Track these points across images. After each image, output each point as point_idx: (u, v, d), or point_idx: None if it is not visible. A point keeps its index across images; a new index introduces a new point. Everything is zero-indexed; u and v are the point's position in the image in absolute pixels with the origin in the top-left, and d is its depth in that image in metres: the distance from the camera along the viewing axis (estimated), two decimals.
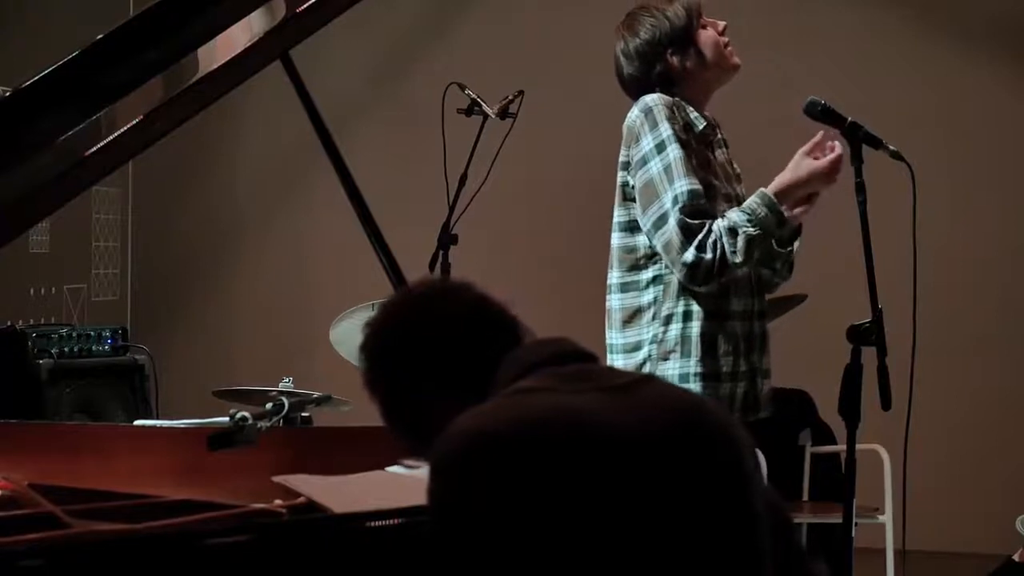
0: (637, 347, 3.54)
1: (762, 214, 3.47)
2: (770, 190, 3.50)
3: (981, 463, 6.57)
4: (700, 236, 3.41)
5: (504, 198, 6.07)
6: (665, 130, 3.47)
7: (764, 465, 4.09)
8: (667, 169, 3.45)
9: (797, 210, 3.56)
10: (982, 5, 6.72)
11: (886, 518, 5.25)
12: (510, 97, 5.26)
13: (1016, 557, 4.81)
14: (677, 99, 3.56)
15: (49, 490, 2.41)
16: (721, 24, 3.63)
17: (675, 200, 3.42)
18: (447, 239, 5.11)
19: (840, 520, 3.59)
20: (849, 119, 3.55)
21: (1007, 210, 6.63)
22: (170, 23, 2.69)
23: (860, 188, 3.49)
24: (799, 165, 3.54)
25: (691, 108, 3.57)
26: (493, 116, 5.22)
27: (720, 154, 3.66)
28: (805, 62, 6.32)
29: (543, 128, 6.43)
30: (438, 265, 5.09)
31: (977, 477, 6.55)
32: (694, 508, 1.90)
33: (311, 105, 2.93)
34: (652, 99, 3.52)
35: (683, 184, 3.43)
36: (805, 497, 5.64)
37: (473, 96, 5.26)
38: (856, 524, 3.63)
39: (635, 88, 3.62)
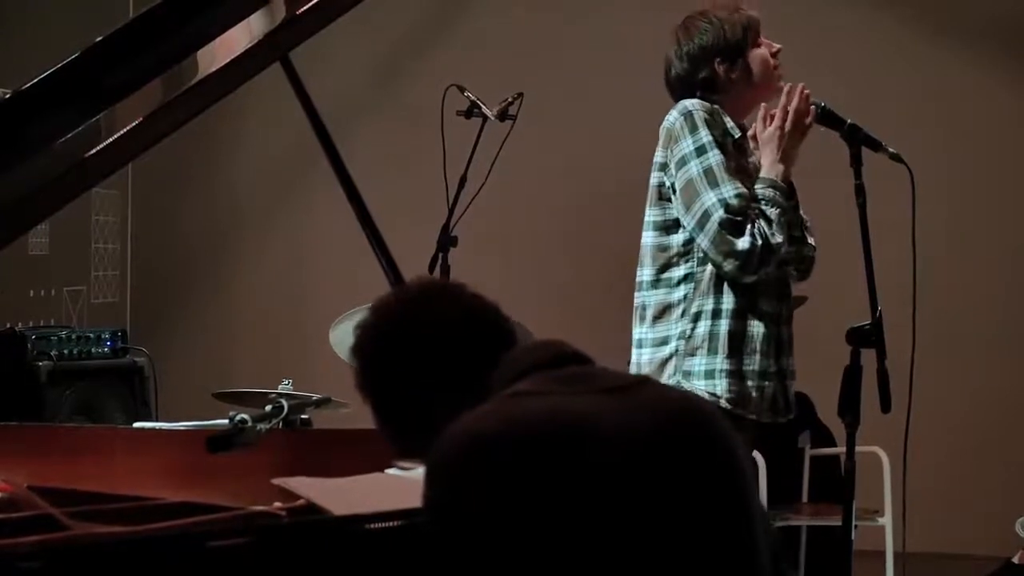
0: (665, 342, 3.62)
1: (770, 195, 3.59)
2: (764, 173, 3.64)
3: (981, 465, 6.56)
4: (748, 227, 3.52)
5: (503, 200, 6.07)
6: (705, 135, 3.56)
7: (763, 467, 4.11)
8: (707, 171, 3.54)
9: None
10: (982, 6, 6.72)
11: (886, 520, 5.25)
12: (510, 99, 5.26)
13: (1016, 559, 4.81)
14: (716, 107, 3.62)
15: (48, 492, 2.41)
16: (776, 46, 3.71)
17: (721, 202, 3.52)
18: (446, 241, 5.12)
19: (840, 522, 3.59)
20: (849, 121, 3.56)
21: (1006, 212, 6.63)
22: (170, 25, 2.69)
23: (859, 190, 3.51)
24: (765, 141, 3.66)
25: (728, 117, 3.63)
26: (493, 118, 5.23)
27: (755, 160, 3.72)
28: (804, 64, 6.32)
29: (543, 130, 6.43)
30: (438, 267, 5.10)
31: (977, 479, 6.55)
32: (690, 509, 1.90)
33: (311, 107, 2.92)
34: (692, 103, 3.62)
35: (730, 188, 3.54)
36: (805, 499, 5.63)
37: (473, 98, 5.26)
38: (856, 526, 3.63)
39: (679, 88, 3.71)
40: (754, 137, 3.70)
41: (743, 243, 3.51)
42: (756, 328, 3.60)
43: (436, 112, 5.17)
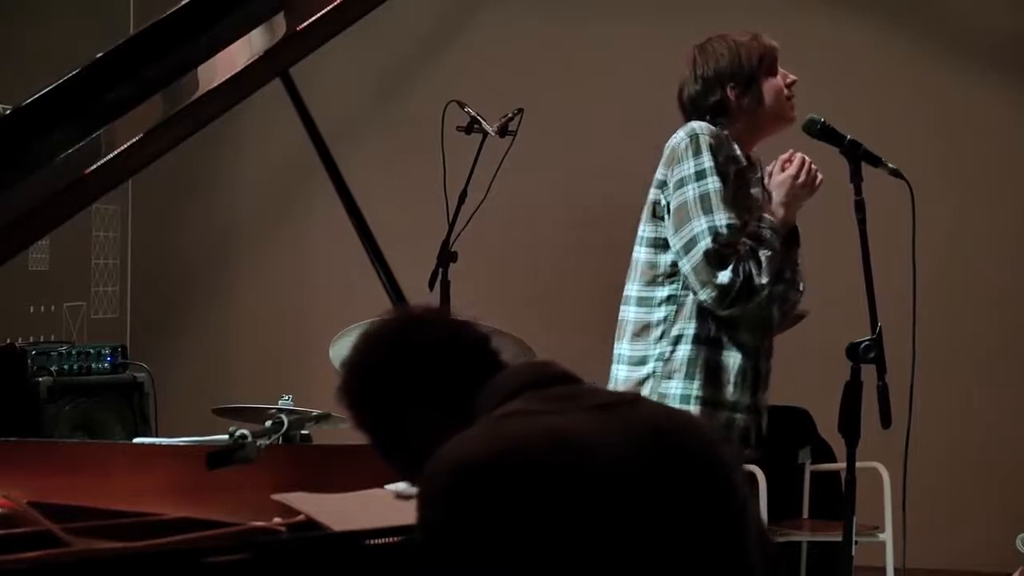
0: (643, 361, 3.60)
1: (767, 236, 3.59)
2: (767, 213, 3.63)
3: (981, 481, 6.56)
4: (734, 262, 3.51)
5: (504, 216, 6.07)
6: (708, 160, 3.55)
7: (763, 483, 4.12)
8: (703, 197, 3.53)
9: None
10: (984, 22, 6.72)
11: (886, 536, 5.24)
12: (510, 115, 5.27)
13: (1016, 575, 4.81)
14: (726, 132, 3.61)
15: (48, 508, 2.40)
16: (791, 77, 3.72)
17: (711, 229, 3.51)
18: (447, 256, 5.12)
19: (840, 538, 3.59)
20: (848, 137, 3.56)
21: (1007, 226, 6.63)
22: (170, 41, 2.70)
23: (860, 206, 3.52)
24: (776, 184, 3.67)
25: (736, 144, 3.62)
26: (493, 134, 5.23)
27: (756, 192, 3.70)
28: (806, 79, 6.32)
29: (543, 146, 6.44)
30: (438, 282, 5.09)
31: (977, 495, 6.54)
32: (684, 525, 1.90)
33: (311, 122, 2.93)
34: (699, 127, 3.60)
35: (722, 217, 3.53)
36: (805, 515, 5.63)
37: (473, 114, 5.26)
38: (856, 542, 3.63)
39: (690, 110, 3.72)
40: (770, 174, 3.69)
41: (724, 277, 3.50)
42: (734, 359, 3.59)
43: (436, 128, 5.18)
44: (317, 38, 2.88)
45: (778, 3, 6.62)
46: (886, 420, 3.40)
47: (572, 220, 6.93)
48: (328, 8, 2.80)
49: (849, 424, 3.42)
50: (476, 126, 5.25)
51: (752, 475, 5.04)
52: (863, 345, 3.43)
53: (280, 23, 2.87)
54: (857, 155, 3.54)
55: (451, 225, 5.17)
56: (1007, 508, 6.29)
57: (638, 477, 1.89)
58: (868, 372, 3.43)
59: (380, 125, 7.30)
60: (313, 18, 2.80)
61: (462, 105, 5.29)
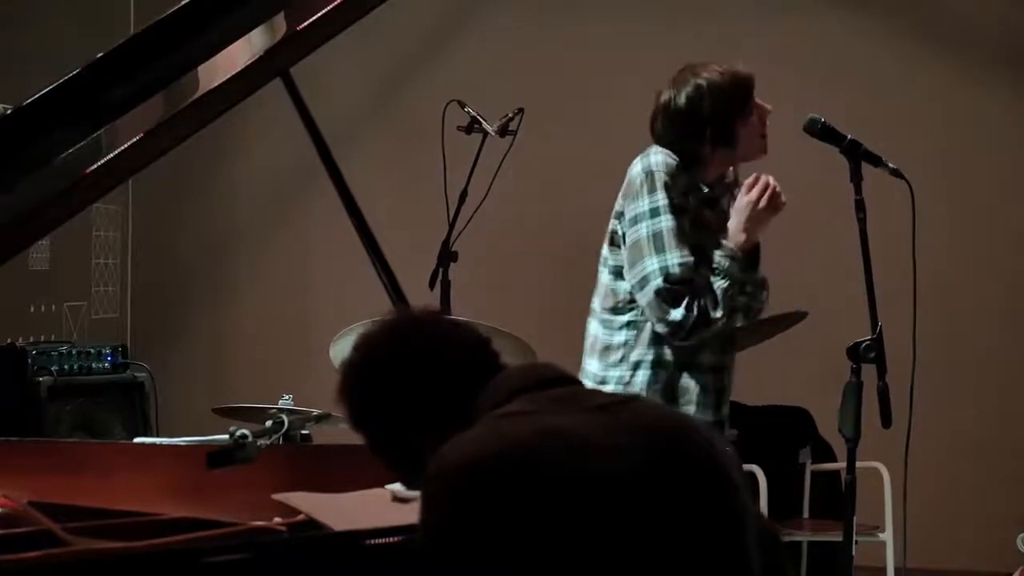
0: (604, 382, 3.61)
1: (726, 264, 3.56)
2: (726, 241, 3.58)
3: (982, 481, 6.56)
4: (687, 298, 3.49)
5: (504, 215, 6.07)
6: (662, 198, 3.53)
7: (764, 483, 4.12)
8: (656, 236, 3.52)
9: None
10: (984, 22, 6.72)
11: (886, 536, 5.25)
12: (510, 115, 5.27)
13: (1016, 575, 4.81)
14: (685, 167, 3.57)
15: (48, 508, 2.40)
16: (767, 108, 3.64)
17: (662, 269, 3.50)
18: (447, 256, 5.12)
19: (840, 538, 3.59)
20: (849, 137, 3.56)
21: (1007, 226, 6.63)
22: (170, 41, 2.70)
23: (860, 205, 3.52)
24: (738, 208, 3.61)
25: (699, 176, 3.59)
26: (493, 134, 5.23)
27: (725, 202, 3.66)
28: (806, 79, 6.33)
29: (543, 146, 6.44)
30: (438, 282, 5.09)
31: (977, 495, 6.54)
32: (683, 525, 1.90)
33: (311, 122, 2.93)
34: (656, 162, 3.57)
35: (675, 256, 3.51)
36: (805, 515, 5.64)
37: (473, 114, 5.26)
38: (856, 542, 3.64)
39: (662, 140, 3.63)
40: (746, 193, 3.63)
41: (676, 314, 3.50)
42: (696, 381, 3.59)
43: (437, 127, 5.17)
44: (318, 38, 2.88)
45: (779, 3, 6.62)
46: (886, 420, 3.41)
47: (572, 220, 6.91)
48: (328, 8, 2.80)
49: (850, 424, 3.42)
50: (476, 126, 5.25)
51: (752, 474, 5.04)
52: (863, 345, 3.43)
53: (280, 23, 2.87)
54: (857, 155, 3.54)
55: (451, 225, 5.17)
56: (1007, 508, 6.29)
57: (639, 477, 1.89)
58: (868, 372, 3.43)
59: (380, 125, 7.31)
60: (313, 18, 2.80)
61: (462, 105, 5.29)
